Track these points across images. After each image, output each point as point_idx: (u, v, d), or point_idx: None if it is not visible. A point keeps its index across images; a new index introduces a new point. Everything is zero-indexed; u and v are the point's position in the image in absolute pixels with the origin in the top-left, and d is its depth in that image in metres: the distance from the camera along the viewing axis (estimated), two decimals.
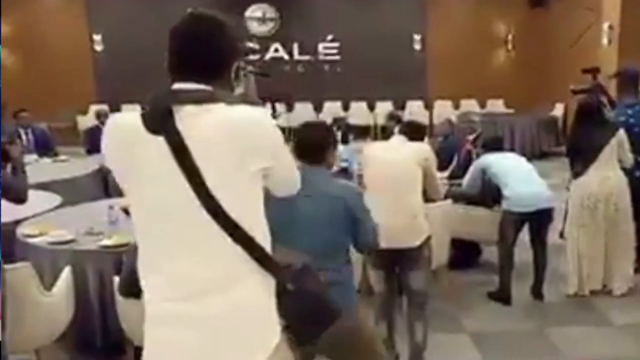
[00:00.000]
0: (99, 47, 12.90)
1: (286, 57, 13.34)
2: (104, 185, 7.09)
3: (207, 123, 1.65)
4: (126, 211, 4.80)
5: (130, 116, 1.73)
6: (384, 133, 8.80)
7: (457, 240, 5.30)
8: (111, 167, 1.79)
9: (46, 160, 7.32)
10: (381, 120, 11.60)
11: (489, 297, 5.14)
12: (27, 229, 4.43)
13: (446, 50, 13.21)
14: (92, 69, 12.89)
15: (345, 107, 13.41)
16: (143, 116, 1.68)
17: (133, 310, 3.69)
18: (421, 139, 4.15)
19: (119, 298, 3.76)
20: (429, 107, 13.49)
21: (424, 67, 13.54)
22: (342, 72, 13.30)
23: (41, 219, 4.74)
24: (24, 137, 7.55)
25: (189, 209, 1.64)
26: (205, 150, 1.63)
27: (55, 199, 5.40)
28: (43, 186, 5.56)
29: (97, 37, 12.85)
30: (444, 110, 12.75)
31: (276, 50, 13.34)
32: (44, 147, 7.78)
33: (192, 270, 1.68)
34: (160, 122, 1.65)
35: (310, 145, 2.91)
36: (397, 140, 4.06)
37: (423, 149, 4.00)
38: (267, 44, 13.26)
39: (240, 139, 1.65)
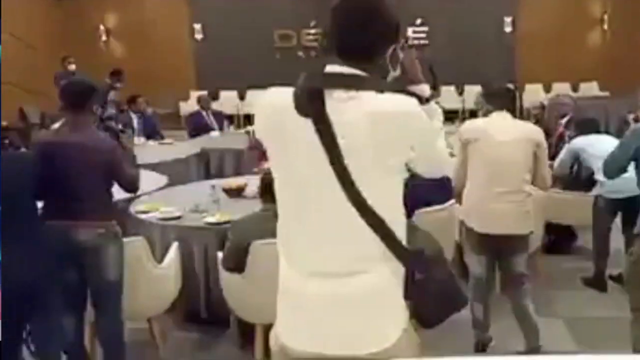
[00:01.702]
0: (199, 36, 13.37)
1: None
2: (205, 166, 7.47)
3: (353, 111, 1.64)
4: (226, 191, 5.10)
5: (283, 94, 1.71)
6: (474, 117, 8.69)
7: (551, 224, 5.26)
8: (262, 141, 1.82)
9: (153, 143, 7.76)
10: (470, 104, 11.52)
11: (583, 283, 5.08)
12: (139, 206, 4.77)
13: (537, 31, 12.86)
14: (193, 57, 13.38)
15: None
16: (295, 95, 1.68)
17: (236, 284, 3.95)
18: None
19: (223, 273, 4.01)
20: (519, 90, 13.19)
21: (514, 49, 13.24)
22: (431, 57, 13.17)
23: (150, 197, 5.07)
24: (135, 121, 8.03)
25: (330, 192, 1.65)
26: (347, 138, 1.63)
27: (162, 179, 5.75)
28: (151, 167, 5.91)
29: (197, 26, 13.31)
30: (534, 93, 12.47)
31: None
32: (151, 131, 8.24)
33: (327, 251, 1.70)
34: (309, 104, 1.66)
35: None
36: (501, 117, 3.82)
37: (536, 131, 3.87)
38: None
39: (382, 133, 1.64)
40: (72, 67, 10.27)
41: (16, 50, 10.83)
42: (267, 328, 3.78)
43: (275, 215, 3.90)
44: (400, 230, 1.72)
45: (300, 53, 13.10)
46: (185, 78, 13.06)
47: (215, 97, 10.93)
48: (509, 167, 3.71)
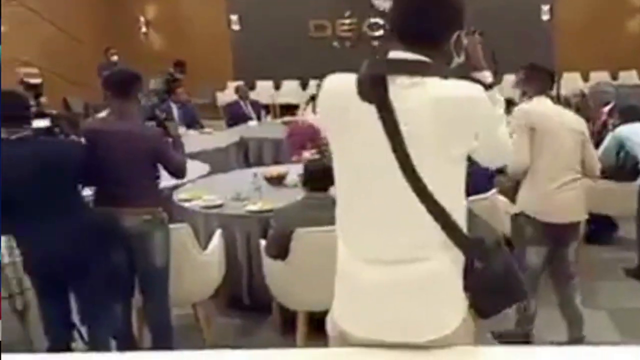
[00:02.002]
0: (236, 27, 13.45)
1: None
2: (244, 155, 7.56)
3: (417, 98, 1.63)
4: (268, 180, 5.16)
5: (347, 79, 1.71)
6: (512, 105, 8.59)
7: (593, 214, 5.19)
8: (324, 126, 1.85)
9: (193, 132, 7.86)
10: (507, 93, 11.39)
11: (626, 274, 5.03)
12: (182, 194, 4.85)
13: (575, 19, 12.65)
14: (230, 47, 13.47)
15: None
16: (358, 81, 1.67)
17: (279, 271, 4.00)
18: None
19: (266, 260, 4.07)
20: (557, 79, 12.99)
21: (551, 38, 13.04)
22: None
23: (193, 185, 5.15)
24: (175, 111, 8.14)
25: (391, 179, 1.65)
26: (410, 125, 1.62)
27: (205, 168, 5.84)
28: (192, 156, 5.98)
29: (234, 18, 13.39)
30: (572, 82, 12.28)
31: None
32: (191, 121, 8.36)
33: (387, 238, 1.70)
34: (372, 91, 1.65)
35: None
36: (542, 102, 3.76)
37: (580, 119, 3.85)
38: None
39: (446, 120, 1.63)
40: (115, 58, 10.46)
41: (60, 42, 11.05)
42: (309, 315, 3.89)
43: (318, 205, 3.96)
44: (460, 218, 1.70)
45: (336, 43, 13.10)
46: (222, 68, 13.16)
47: (251, 87, 11.00)
48: (570, 154, 3.68)
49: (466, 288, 1.75)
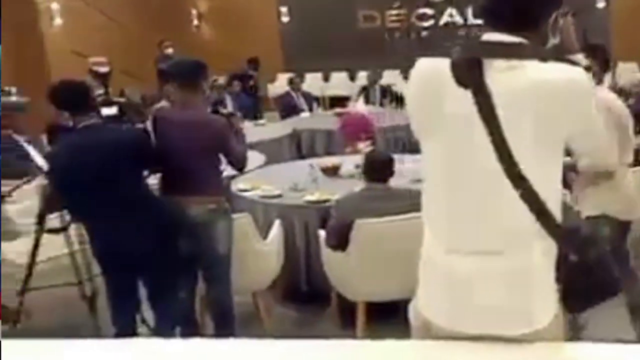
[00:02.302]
0: (285, 19, 13.50)
1: (460, 21, 13.13)
2: (297, 146, 7.61)
3: (515, 81, 1.56)
4: (324, 170, 5.18)
5: (440, 64, 1.63)
6: None
7: None
8: (412, 112, 1.77)
9: (248, 123, 7.93)
10: None
11: None
12: (240, 183, 4.91)
13: (633, 6, 12.30)
14: (279, 39, 13.53)
15: None
16: (452, 65, 1.61)
17: (339, 261, 4.02)
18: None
19: (325, 250, 4.09)
20: (613, 68, 12.65)
21: (607, 26, 12.71)
22: None
23: (251, 175, 5.17)
24: (228, 103, 8.23)
25: (485, 166, 1.59)
26: (507, 109, 1.56)
27: (261, 158, 5.90)
28: (249, 146, 6.05)
29: (283, 9, 13.43)
30: (629, 72, 11.98)
31: (451, 15, 13.16)
32: (245, 112, 8.44)
33: (479, 226, 1.65)
34: (467, 74, 1.58)
35: None
36: (606, 91, 3.62)
37: None
38: (442, 9, 13.13)
39: (546, 104, 1.56)
40: (170, 50, 10.56)
41: (113, 35, 11.24)
42: (369, 305, 3.89)
43: (378, 196, 3.94)
44: (556, 207, 1.63)
45: (386, 36, 13.05)
46: (272, 60, 13.20)
47: (301, 78, 11.04)
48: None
49: (558, 281, 1.68)
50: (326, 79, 13.18)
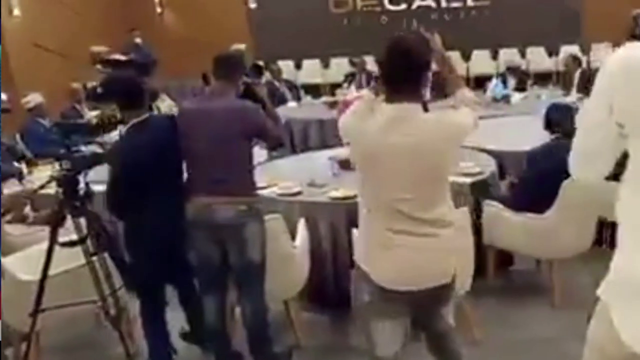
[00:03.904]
0: (253, 5, 13.03)
1: (434, 5, 12.91)
2: (289, 138, 7.22)
3: None
4: (342, 164, 4.83)
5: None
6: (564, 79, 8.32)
7: None
8: (614, 107, 1.62)
9: None
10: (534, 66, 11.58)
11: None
12: None
13: None
14: (248, 26, 13.06)
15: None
16: None
17: None
18: None
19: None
20: (585, 52, 12.63)
21: (580, 8, 12.66)
22: (492, 18, 12.70)
23: (260, 170, 4.80)
24: None
25: None
26: None
27: (261, 153, 5.45)
28: None
29: None
30: (602, 55, 11.94)
31: None
32: None
33: None
34: None
35: None
36: None
37: None
38: None
39: None
40: (138, 40, 10.10)
41: (77, 26, 10.61)
42: None
43: None
44: None
45: (358, 21, 12.76)
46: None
47: (272, 66, 10.61)
48: None
49: None
50: (298, 66, 12.79)
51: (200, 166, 3.35)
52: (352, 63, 9.26)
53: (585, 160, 1.75)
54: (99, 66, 7.00)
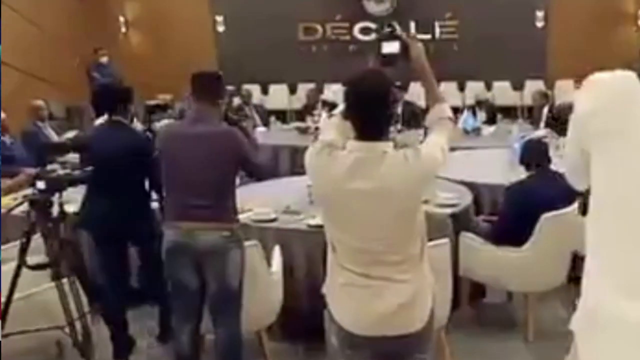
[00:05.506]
0: (221, 28, 12.97)
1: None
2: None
3: None
4: None
5: (632, 78, 1.57)
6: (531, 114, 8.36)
7: None
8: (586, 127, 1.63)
9: None
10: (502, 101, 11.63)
11: None
12: None
13: (570, 27, 12.54)
14: (215, 49, 12.98)
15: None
16: None
17: None
18: None
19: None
20: (549, 87, 12.92)
21: (545, 45, 12.97)
22: (459, 51, 12.90)
23: None
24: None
25: None
26: None
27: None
28: None
29: (219, 19, 12.89)
30: (565, 90, 12.23)
31: (393, 29, 13.04)
32: None
33: None
34: None
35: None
36: None
37: None
38: (383, 24, 12.98)
39: None
40: (104, 59, 9.93)
41: (35, 41, 10.37)
42: None
43: None
44: None
45: (326, 48, 12.80)
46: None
47: (239, 90, 10.55)
48: None
49: None
50: (265, 91, 12.74)
51: (184, 191, 3.26)
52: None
53: (578, 176, 1.78)
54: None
